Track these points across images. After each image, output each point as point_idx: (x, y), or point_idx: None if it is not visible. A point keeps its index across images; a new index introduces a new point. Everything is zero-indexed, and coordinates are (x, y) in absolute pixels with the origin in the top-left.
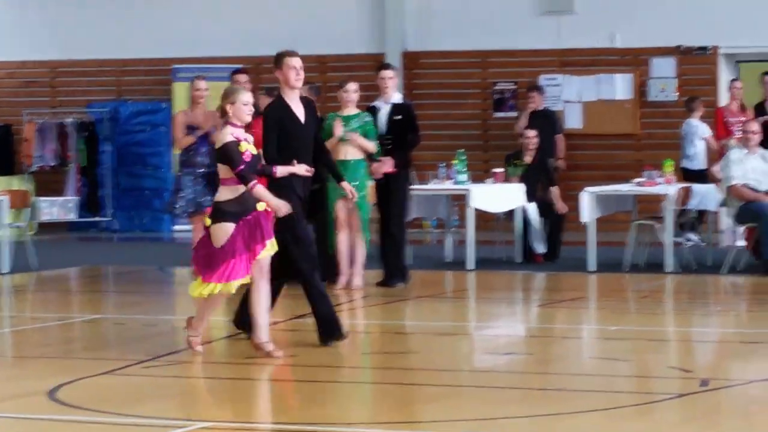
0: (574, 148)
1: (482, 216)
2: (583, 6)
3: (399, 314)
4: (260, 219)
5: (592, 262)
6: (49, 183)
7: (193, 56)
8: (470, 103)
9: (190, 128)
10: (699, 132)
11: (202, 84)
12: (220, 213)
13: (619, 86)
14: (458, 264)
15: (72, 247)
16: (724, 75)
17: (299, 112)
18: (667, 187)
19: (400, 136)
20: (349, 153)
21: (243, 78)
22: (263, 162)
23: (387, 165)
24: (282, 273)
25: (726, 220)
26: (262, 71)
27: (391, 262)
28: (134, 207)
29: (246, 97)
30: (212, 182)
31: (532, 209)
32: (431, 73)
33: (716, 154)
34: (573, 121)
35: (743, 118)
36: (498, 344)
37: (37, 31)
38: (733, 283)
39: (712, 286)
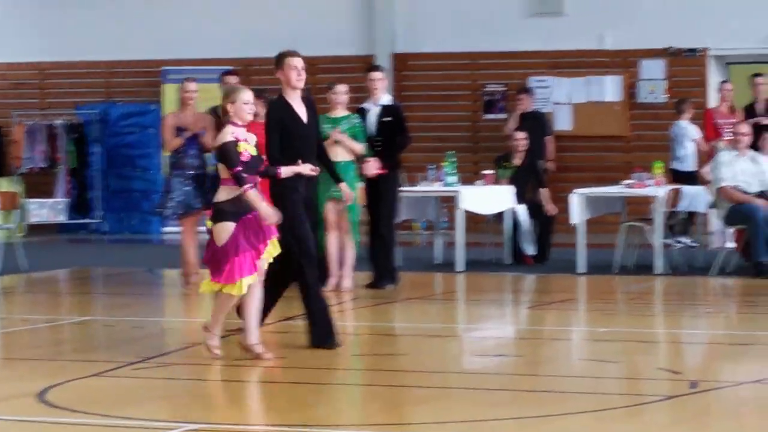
0: (564, 149)
1: (472, 218)
2: (573, 8)
3: (388, 316)
4: (259, 219)
5: (581, 264)
6: (38, 185)
7: (183, 58)
8: (460, 105)
9: (179, 130)
10: (689, 134)
11: (191, 86)
12: (220, 213)
13: (609, 88)
14: (448, 266)
15: (61, 249)
16: (714, 77)
17: (301, 111)
18: (656, 188)
19: (390, 138)
20: (339, 155)
21: (233, 79)
22: (266, 163)
23: (374, 165)
24: (286, 281)
25: (716, 222)
26: (252, 73)
27: (381, 264)
28: (123, 209)
29: (246, 96)
30: (202, 184)
31: (522, 211)
32: (421, 75)
33: (706, 156)
34: (562, 122)
35: (733, 120)
36: (487, 346)
37: (26, 32)
38: (723, 285)
39: (702, 288)
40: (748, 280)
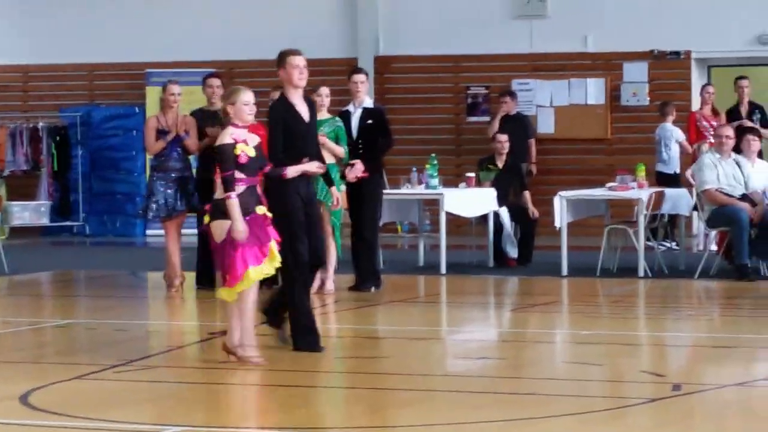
0: (546, 152)
1: (455, 220)
2: (556, 10)
3: (372, 319)
4: (259, 221)
5: (564, 267)
6: (21, 187)
7: (167, 60)
8: (443, 108)
9: (162, 133)
10: (674, 136)
11: (175, 88)
12: (218, 211)
13: (592, 91)
14: (431, 268)
15: (44, 252)
16: (697, 80)
17: (303, 110)
18: (639, 191)
19: (372, 141)
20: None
21: (216, 82)
22: (268, 163)
23: (358, 169)
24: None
25: (698, 225)
26: (235, 75)
27: (364, 267)
28: (107, 211)
29: (247, 97)
30: (185, 187)
31: (505, 214)
32: (404, 78)
33: (690, 159)
34: (545, 125)
35: (716, 123)
36: (471, 348)
37: (9, 35)
38: (706, 288)
39: (685, 291)
40: (731, 283)
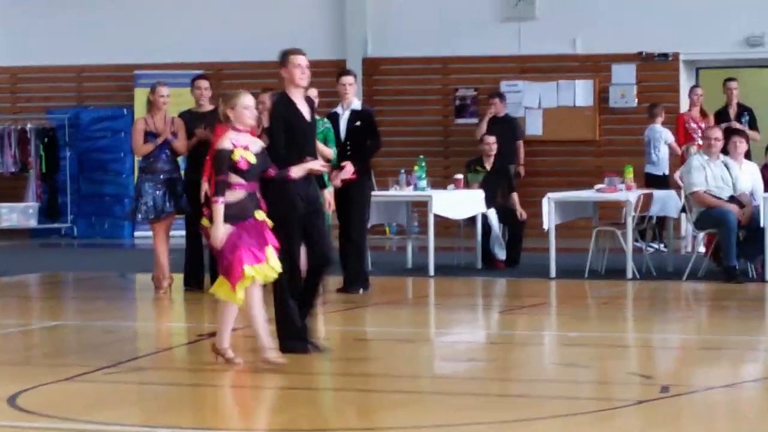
0: (535, 154)
1: (443, 222)
2: (544, 12)
3: (359, 321)
4: (257, 227)
5: (552, 268)
6: (9, 189)
7: (155, 62)
8: (431, 109)
9: (150, 135)
10: (663, 137)
11: (164, 90)
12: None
13: (580, 93)
14: (419, 270)
15: (32, 254)
16: (685, 81)
17: (304, 110)
18: (627, 193)
19: (360, 143)
20: None
21: (204, 84)
22: (272, 165)
23: (347, 171)
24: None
25: (687, 226)
26: (224, 77)
27: (352, 269)
28: (95, 213)
29: (246, 101)
30: (174, 188)
31: (493, 215)
32: (392, 79)
33: (678, 160)
34: (533, 127)
35: (704, 125)
36: (459, 350)
37: None
38: (694, 290)
39: (673, 293)
40: (719, 285)
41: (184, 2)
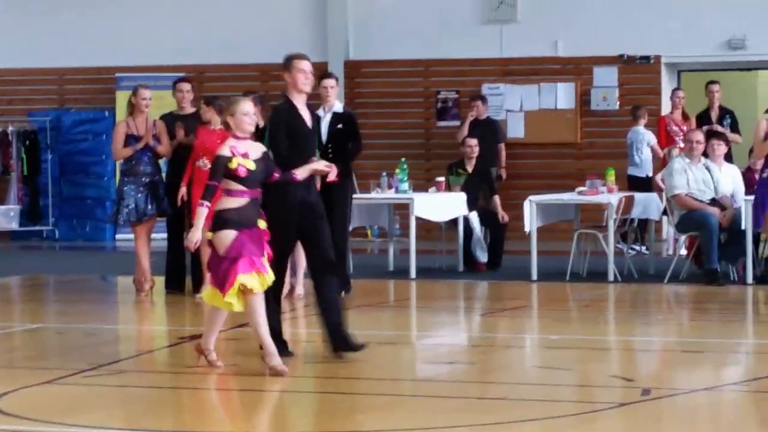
0: (516, 157)
1: (425, 225)
2: (526, 15)
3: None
4: (258, 236)
5: (534, 271)
6: None
7: (137, 65)
8: (413, 112)
9: (131, 137)
10: (646, 139)
11: (146, 93)
12: (221, 221)
13: (561, 95)
14: (401, 273)
15: (13, 256)
16: (667, 84)
17: (306, 115)
18: (609, 196)
19: (342, 146)
20: None
21: (186, 87)
22: (276, 169)
23: (333, 171)
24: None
25: (668, 229)
26: (206, 80)
27: None
28: (76, 216)
29: (246, 108)
30: (156, 191)
31: (474, 218)
32: (374, 82)
33: (660, 163)
34: (515, 130)
35: (686, 128)
36: (440, 353)
37: None
38: (675, 292)
39: (654, 295)
40: (700, 288)
41: (166, 5)
